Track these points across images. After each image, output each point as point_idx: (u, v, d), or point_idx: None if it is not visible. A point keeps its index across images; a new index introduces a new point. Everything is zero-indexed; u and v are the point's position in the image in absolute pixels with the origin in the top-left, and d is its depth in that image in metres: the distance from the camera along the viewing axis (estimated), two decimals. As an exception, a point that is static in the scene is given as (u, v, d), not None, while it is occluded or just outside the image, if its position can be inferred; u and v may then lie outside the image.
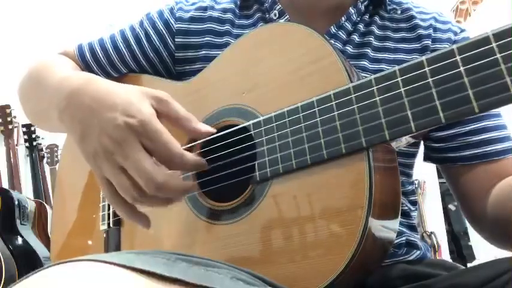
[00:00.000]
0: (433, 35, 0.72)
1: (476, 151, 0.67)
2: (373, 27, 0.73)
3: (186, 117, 0.55)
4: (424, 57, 0.43)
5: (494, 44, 0.39)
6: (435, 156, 0.72)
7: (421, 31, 0.73)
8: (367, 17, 0.74)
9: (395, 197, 0.52)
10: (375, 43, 0.72)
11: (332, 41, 0.65)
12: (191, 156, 0.53)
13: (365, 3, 0.74)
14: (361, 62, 0.70)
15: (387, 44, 0.72)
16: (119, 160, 0.51)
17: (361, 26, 0.73)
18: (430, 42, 0.72)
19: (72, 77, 0.63)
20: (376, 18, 0.74)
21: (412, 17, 0.75)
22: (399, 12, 0.76)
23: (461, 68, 0.40)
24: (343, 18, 0.72)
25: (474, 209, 0.68)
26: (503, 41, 0.38)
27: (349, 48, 0.72)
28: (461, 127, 0.68)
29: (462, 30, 0.75)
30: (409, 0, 0.78)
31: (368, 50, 0.71)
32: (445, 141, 0.70)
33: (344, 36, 0.72)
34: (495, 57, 0.39)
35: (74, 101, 0.57)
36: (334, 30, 0.72)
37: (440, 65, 0.42)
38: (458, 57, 0.41)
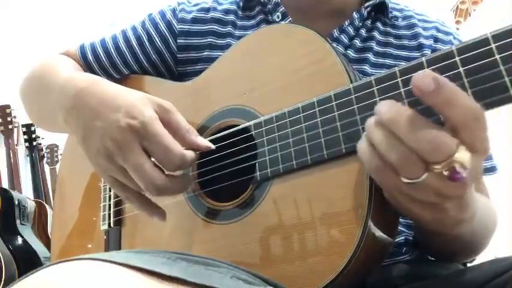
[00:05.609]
0: (433, 45, 0.73)
1: None
2: (374, 33, 0.73)
3: (187, 128, 0.55)
4: (423, 58, 0.43)
5: (493, 45, 0.39)
6: None
7: (423, 40, 0.73)
8: (369, 22, 0.74)
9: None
10: (377, 48, 0.72)
11: (334, 45, 0.66)
12: (191, 155, 0.53)
13: (368, 9, 0.74)
14: (363, 67, 0.71)
15: (388, 49, 0.73)
16: (120, 162, 0.52)
17: (363, 31, 0.73)
18: (430, 53, 0.72)
19: (77, 78, 0.63)
20: (378, 24, 0.74)
21: (414, 25, 0.75)
22: (400, 19, 0.76)
23: (461, 69, 0.41)
24: (346, 23, 0.72)
25: None
26: (502, 42, 0.38)
27: (351, 53, 0.72)
28: None
29: None
30: (410, 5, 0.78)
31: (369, 55, 0.72)
32: None
33: (346, 41, 0.72)
34: (494, 57, 0.39)
35: (80, 102, 0.57)
36: (336, 34, 0.72)
37: (439, 65, 0.42)
38: (457, 58, 0.41)
